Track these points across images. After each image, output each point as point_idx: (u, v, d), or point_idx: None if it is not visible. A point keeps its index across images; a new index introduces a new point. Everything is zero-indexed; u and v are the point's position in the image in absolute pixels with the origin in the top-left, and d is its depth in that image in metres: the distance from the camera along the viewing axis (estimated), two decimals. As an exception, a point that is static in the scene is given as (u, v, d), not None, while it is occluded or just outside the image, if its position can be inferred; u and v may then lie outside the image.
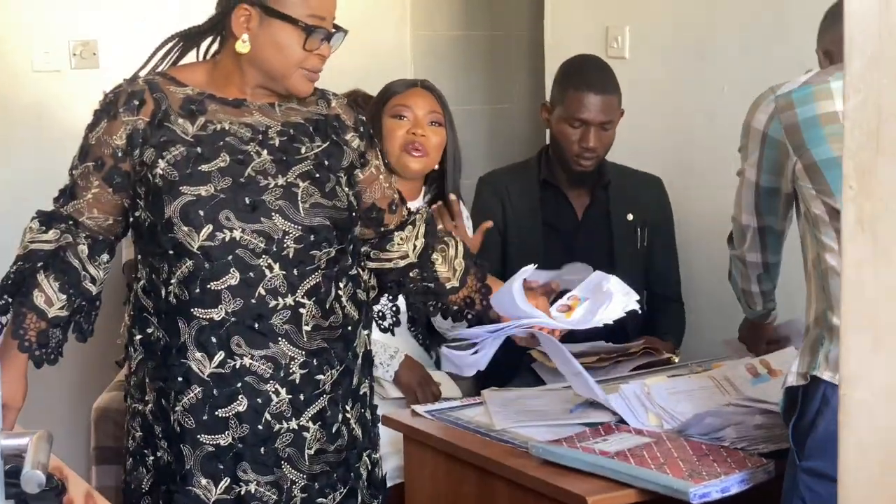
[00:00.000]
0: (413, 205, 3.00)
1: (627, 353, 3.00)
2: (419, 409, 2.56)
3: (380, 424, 2.48)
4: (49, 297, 2.22)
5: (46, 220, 2.26)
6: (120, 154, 2.23)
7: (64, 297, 2.23)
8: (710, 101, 3.45)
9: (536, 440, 2.29)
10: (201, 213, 2.19)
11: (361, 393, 2.37)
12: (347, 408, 2.33)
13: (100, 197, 2.25)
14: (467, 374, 2.40)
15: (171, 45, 2.34)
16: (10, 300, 2.23)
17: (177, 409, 2.24)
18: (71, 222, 2.26)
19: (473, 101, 4.51)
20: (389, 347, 2.97)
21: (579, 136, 3.11)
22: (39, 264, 2.23)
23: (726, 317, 3.26)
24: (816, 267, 2.16)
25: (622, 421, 2.39)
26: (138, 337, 2.30)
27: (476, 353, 2.30)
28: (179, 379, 2.23)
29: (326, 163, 2.29)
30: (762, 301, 2.59)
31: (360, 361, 2.35)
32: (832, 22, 2.37)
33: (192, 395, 2.23)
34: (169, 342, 2.25)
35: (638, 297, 2.33)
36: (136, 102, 2.24)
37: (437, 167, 3.09)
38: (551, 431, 2.35)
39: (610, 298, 2.28)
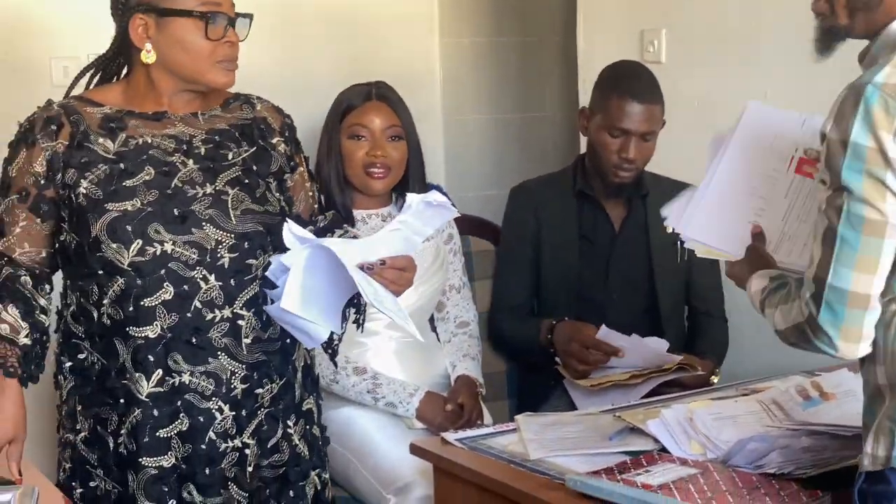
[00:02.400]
0: (385, 210, 3.00)
1: (660, 369, 2.87)
2: (449, 436, 2.43)
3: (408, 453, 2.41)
4: (13, 325, 2.15)
5: None
6: (42, 181, 2.18)
7: (26, 325, 2.16)
8: (752, 107, 3.30)
9: (574, 471, 2.16)
10: (129, 228, 2.13)
11: (305, 409, 2.33)
12: (289, 423, 2.28)
13: (29, 229, 2.20)
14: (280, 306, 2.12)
15: (87, 77, 2.30)
16: None
17: (121, 432, 2.17)
18: (5, 259, 2.19)
19: (504, 110, 4.39)
20: (409, 385, 2.88)
21: (619, 146, 2.97)
22: None
23: (772, 333, 3.11)
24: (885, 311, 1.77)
25: (664, 449, 2.25)
26: (68, 364, 2.25)
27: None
28: (122, 401, 2.17)
29: (255, 168, 2.24)
30: None
31: (300, 375, 2.31)
32: None
33: (131, 417, 2.16)
34: (106, 365, 2.19)
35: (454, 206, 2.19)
36: (54, 127, 2.19)
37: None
38: (590, 461, 2.22)
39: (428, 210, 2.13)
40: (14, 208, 2.19)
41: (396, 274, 2.11)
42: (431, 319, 3.11)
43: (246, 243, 2.18)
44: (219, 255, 2.16)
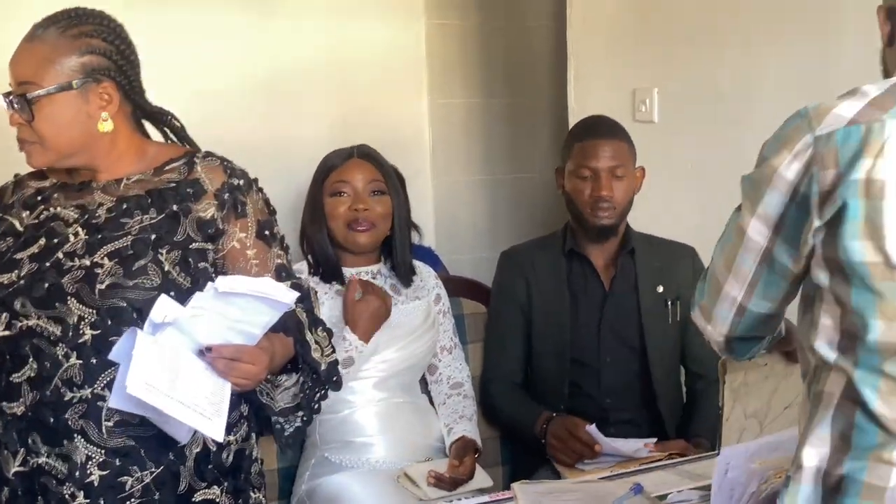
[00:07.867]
0: (375, 268, 2.96)
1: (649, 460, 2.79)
2: (443, 506, 2.37)
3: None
4: None
5: None
6: None
7: None
8: (746, 169, 3.26)
9: (572, 542, 2.10)
10: None
11: (198, 500, 2.13)
12: None
13: None
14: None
15: None
16: None
17: None
18: None
19: (494, 171, 4.36)
20: None
21: (591, 186, 2.97)
22: None
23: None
24: (810, 383, 1.67)
25: (666, 519, 2.19)
26: None
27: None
28: None
29: (154, 236, 2.10)
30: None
31: (190, 463, 2.11)
32: None
33: (1, 495, 2.09)
34: None
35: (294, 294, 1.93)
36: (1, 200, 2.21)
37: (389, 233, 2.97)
38: (589, 532, 2.16)
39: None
40: None
41: (225, 364, 1.94)
42: (424, 382, 3.05)
43: (109, 320, 2.04)
44: (81, 331, 2.04)
